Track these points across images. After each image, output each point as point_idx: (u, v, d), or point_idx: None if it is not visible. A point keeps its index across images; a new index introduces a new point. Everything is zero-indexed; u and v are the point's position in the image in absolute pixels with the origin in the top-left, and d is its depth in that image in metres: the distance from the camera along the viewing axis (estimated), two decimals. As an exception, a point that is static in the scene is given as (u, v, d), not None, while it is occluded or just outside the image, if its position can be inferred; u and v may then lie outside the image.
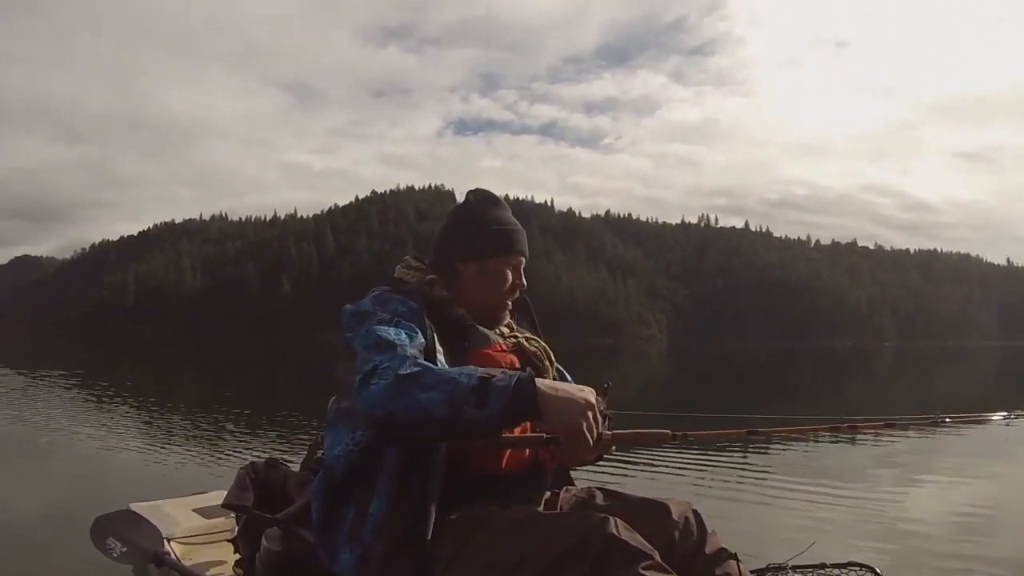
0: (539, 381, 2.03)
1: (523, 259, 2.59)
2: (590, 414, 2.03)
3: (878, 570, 2.65)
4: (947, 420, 2.39)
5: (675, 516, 2.36)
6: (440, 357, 2.31)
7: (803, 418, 2.43)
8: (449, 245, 2.56)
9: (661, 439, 2.27)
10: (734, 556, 2.34)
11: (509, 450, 2.35)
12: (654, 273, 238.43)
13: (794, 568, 2.72)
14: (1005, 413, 2.54)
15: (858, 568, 2.67)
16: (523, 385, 1.99)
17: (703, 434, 2.41)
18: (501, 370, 2.10)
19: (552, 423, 2.02)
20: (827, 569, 2.70)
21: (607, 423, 2.24)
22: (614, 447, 2.26)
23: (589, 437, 2.03)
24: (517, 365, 2.47)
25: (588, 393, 2.08)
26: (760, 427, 2.46)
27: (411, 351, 2.17)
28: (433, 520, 2.19)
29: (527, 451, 2.40)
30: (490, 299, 2.53)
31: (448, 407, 1.96)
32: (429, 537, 2.18)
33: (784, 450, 11.30)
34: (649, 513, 2.36)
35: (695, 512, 2.42)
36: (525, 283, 2.61)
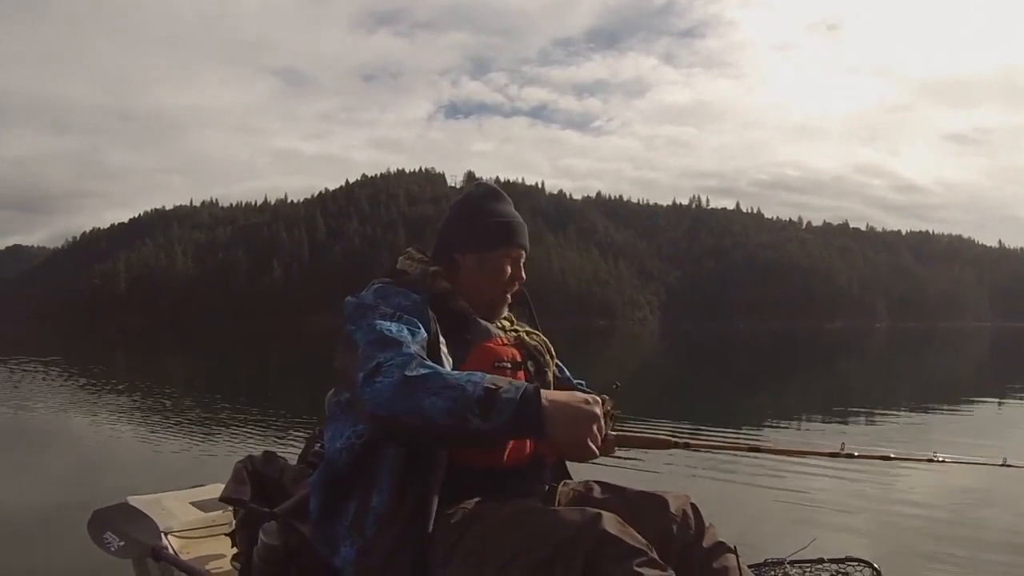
0: (544, 394, 2.01)
1: (523, 252, 2.56)
2: (595, 427, 2.03)
3: (875, 565, 2.64)
4: (943, 459, 2.40)
5: (673, 509, 2.32)
6: (444, 349, 2.28)
7: (806, 442, 2.46)
8: (449, 236, 2.53)
9: (665, 445, 2.30)
10: (732, 549, 2.31)
11: (511, 444, 2.33)
12: (645, 254, 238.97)
13: (792, 563, 2.71)
14: (1003, 460, 2.55)
15: (856, 563, 2.66)
16: (529, 399, 1.97)
17: (705, 445, 2.43)
18: (508, 380, 2.04)
19: (555, 439, 2.01)
20: (825, 564, 2.70)
21: (612, 423, 2.26)
22: (617, 448, 2.27)
23: (594, 450, 2.04)
24: (519, 359, 2.46)
25: (594, 405, 2.06)
26: (763, 448, 2.48)
27: (415, 348, 2.13)
28: (434, 514, 2.18)
29: (528, 445, 2.39)
30: (488, 291, 2.50)
31: (452, 415, 1.94)
32: (430, 531, 2.16)
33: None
34: (647, 506, 2.33)
35: (693, 505, 2.38)
36: (524, 276, 2.57)
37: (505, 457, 2.33)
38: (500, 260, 2.50)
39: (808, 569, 2.71)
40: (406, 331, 2.17)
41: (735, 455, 9.71)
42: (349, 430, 2.26)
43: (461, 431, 1.96)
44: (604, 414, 2.13)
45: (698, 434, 2.35)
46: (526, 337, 2.58)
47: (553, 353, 2.63)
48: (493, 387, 1.96)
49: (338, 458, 2.27)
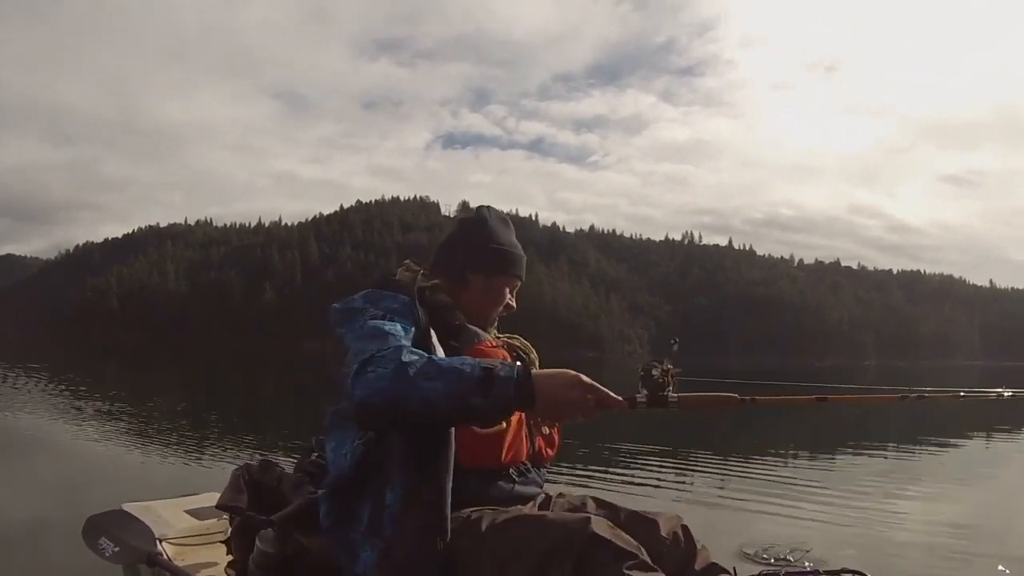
0: (534, 370, 2.08)
1: (520, 283, 2.73)
2: (576, 392, 2.08)
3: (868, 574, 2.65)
4: (1007, 395, 2.39)
5: (663, 532, 2.36)
6: (435, 342, 2.34)
7: (872, 387, 2.42)
8: (461, 253, 2.64)
9: (728, 403, 2.27)
10: (727, 571, 2.34)
11: (508, 443, 2.39)
12: (637, 289, 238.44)
13: (788, 575, 2.76)
14: None
15: (851, 575, 2.69)
16: (522, 374, 2.04)
17: (771, 399, 2.36)
18: (499, 361, 2.13)
19: (546, 408, 2.08)
20: None
21: (673, 384, 2.28)
22: (681, 409, 2.27)
23: (582, 416, 2.12)
24: (509, 360, 2.47)
25: (574, 375, 2.09)
26: (829, 395, 2.40)
27: (406, 342, 2.20)
28: (450, 507, 2.20)
29: (525, 443, 2.47)
30: (485, 313, 2.64)
31: (452, 397, 2.00)
32: (450, 525, 2.19)
33: (779, 460, 11.47)
34: (637, 527, 2.32)
35: (684, 527, 2.42)
36: (515, 306, 2.74)
37: (504, 455, 2.40)
38: (502, 287, 2.65)
39: None
40: (399, 327, 2.23)
41: (726, 467, 9.77)
42: (353, 434, 2.29)
43: (460, 411, 2.03)
44: (664, 371, 2.26)
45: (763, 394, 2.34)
46: (509, 340, 2.71)
47: (534, 352, 2.75)
48: (490, 367, 2.03)
49: (344, 463, 2.30)
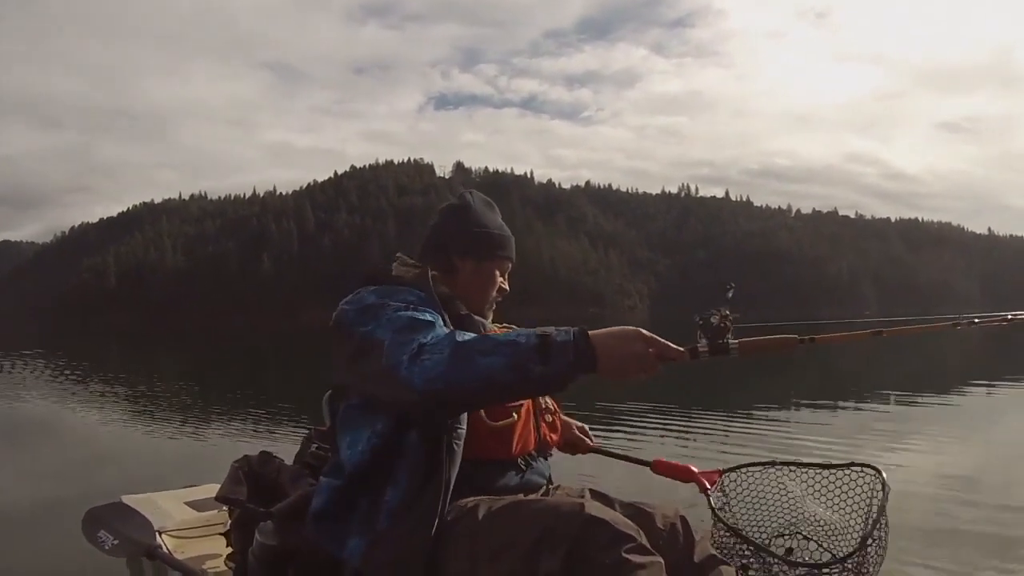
0: (591, 331, 2.02)
1: (511, 265, 2.67)
2: (638, 347, 2.02)
3: (878, 467, 2.62)
4: None
5: (660, 524, 2.33)
6: None
7: (925, 318, 2.44)
8: (447, 240, 2.58)
9: (789, 344, 2.21)
10: (726, 563, 2.31)
11: (518, 434, 2.38)
12: (635, 243, 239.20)
13: (798, 464, 2.80)
14: None
15: (859, 468, 2.67)
16: (581, 336, 1.98)
17: (830, 337, 2.31)
18: (552, 328, 2.06)
19: (607, 371, 2.00)
20: (831, 469, 2.73)
21: (731, 331, 2.20)
22: (739, 355, 2.18)
23: (643, 372, 2.04)
24: None
25: (633, 329, 2.04)
26: (884, 328, 2.37)
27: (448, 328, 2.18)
28: (447, 506, 2.18)
29: (533, 433, 2.46)
30: (479, 298, 2.58)
31: (512, 369, 1.95)
32: (443, 519, 2.16)
33: (779, 411, 11.48)
34: (633, 519, 2.22)
35: (682, 518, 2.39)
36: (508, 288, 2.67)
37: (514, 447, 2.38)
38: (493, 270, 2.60)
39: (814, 471, 2.77)
40: (428, 316, 2.18)
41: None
42: (368, 431, 2.26)
43: (523, 382, 1.97)
44: (723, 317, 2.17)
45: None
46: (507, 329, 2.66)
47: None
48: (545, 333, 1.98)
49: (363, 460, 2.26)
